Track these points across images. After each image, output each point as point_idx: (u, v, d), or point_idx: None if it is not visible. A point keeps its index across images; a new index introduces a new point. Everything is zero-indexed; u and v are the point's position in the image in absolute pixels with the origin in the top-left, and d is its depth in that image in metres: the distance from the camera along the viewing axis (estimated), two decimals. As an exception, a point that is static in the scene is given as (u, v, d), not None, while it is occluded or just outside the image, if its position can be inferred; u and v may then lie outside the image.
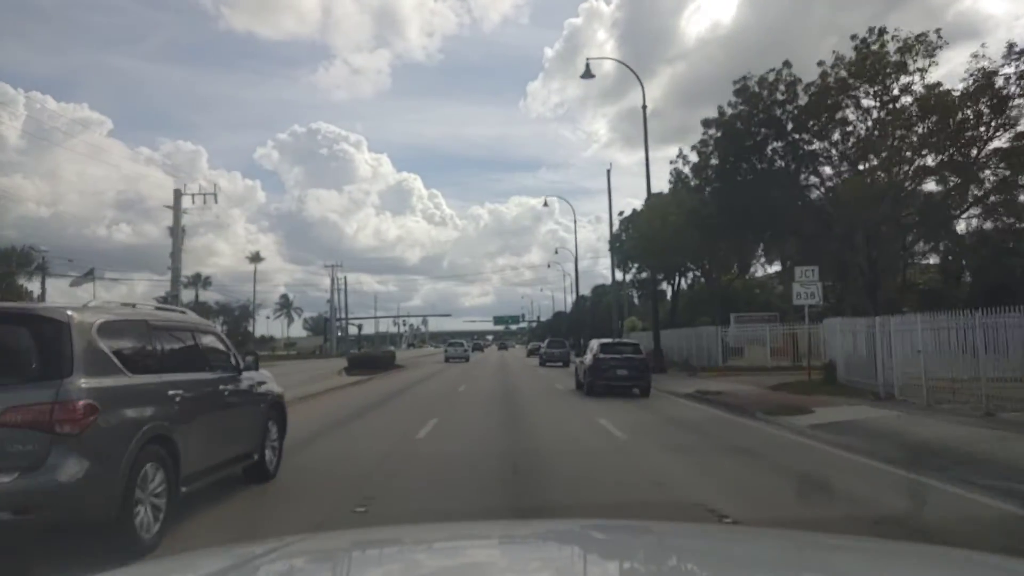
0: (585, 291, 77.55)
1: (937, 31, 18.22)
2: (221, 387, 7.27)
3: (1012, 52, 17.34)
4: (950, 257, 27.72)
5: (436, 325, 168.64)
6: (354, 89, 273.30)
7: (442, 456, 10.38)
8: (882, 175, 18.50)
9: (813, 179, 20.80)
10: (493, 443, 11.47)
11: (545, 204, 58.20)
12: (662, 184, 43.30)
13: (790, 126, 19.42)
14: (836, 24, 74.43)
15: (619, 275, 48.52)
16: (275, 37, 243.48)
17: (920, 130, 18.16)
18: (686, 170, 21.63)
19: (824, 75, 18.83)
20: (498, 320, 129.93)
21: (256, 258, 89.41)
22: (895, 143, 18.35)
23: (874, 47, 18.05)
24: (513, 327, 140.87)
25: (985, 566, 2.05)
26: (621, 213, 45.24)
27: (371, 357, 42.01)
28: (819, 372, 19.39)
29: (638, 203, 41.69)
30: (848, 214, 18.12)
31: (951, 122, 17.64)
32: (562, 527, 3.12)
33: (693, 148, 21.71)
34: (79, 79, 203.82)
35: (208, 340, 7.52)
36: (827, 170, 20.50)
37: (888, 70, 17.86)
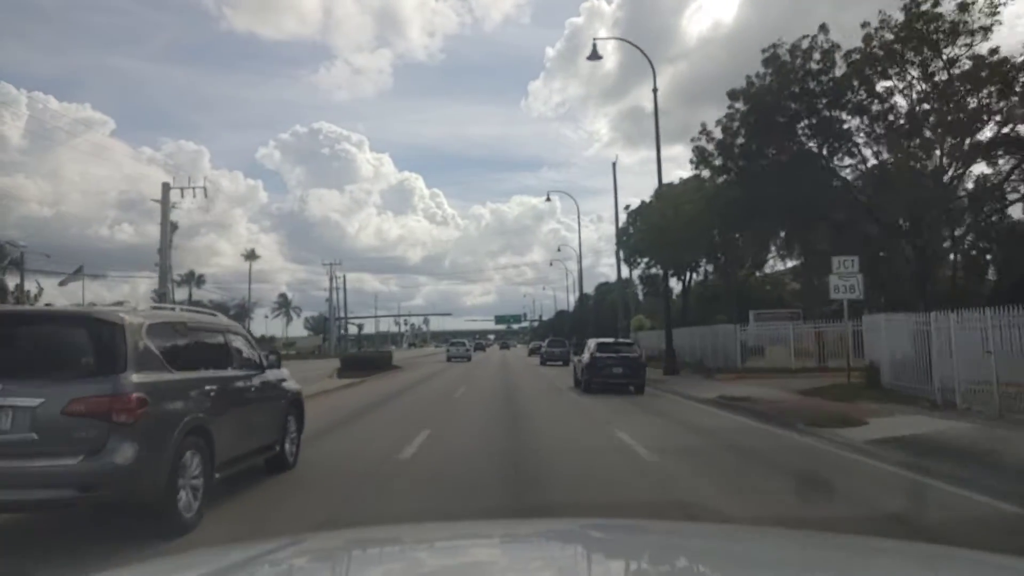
0: (587, 290, 76.03)
1: None
2: (248, 383, 7.77)
3: None
4: (974, 252, 25.52)
5: (438, 324, 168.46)
6: (355, 89, 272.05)
7: (429, 483, 8.28)
8: (932, 153, 16.28)
9: (847, 160, 18.68)
10: (494, 467, 9.35)
11: (548, 199, 56.67)
12: (667, 179, 41.01)
13: (822, 102, 17.24)
14: (839, 23, 72.20)
15: (625, 271, 46.56)
16: (276, 37, 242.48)
17: (976, 101, 15.94)
18: (710, 147, 19.54)
19: (868, 38, 16.54)
20: (500, 319, 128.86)
21: (251, 255, 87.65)
22: (949, 115, 16.10)
23: (925, 6, 15.83)
24: (515, 326, 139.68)
25: (990, 566, 1.99)
26: (627, 207, 43.12)
27: (366, 358, 39.79)
28: (858, 375, 17.26)
29: (642, 201, 39.56)
30: (892, 198, 15.96)
31: (1015, 86, 15.36)
32: (562, 526, 3.04)
33: (717, 123, 19.50)
34: (82, 79, 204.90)
35: (236, 340, 8.00)
36: (866, 151, 18.31)
37: (943, 32, 15.65)
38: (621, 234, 42.23)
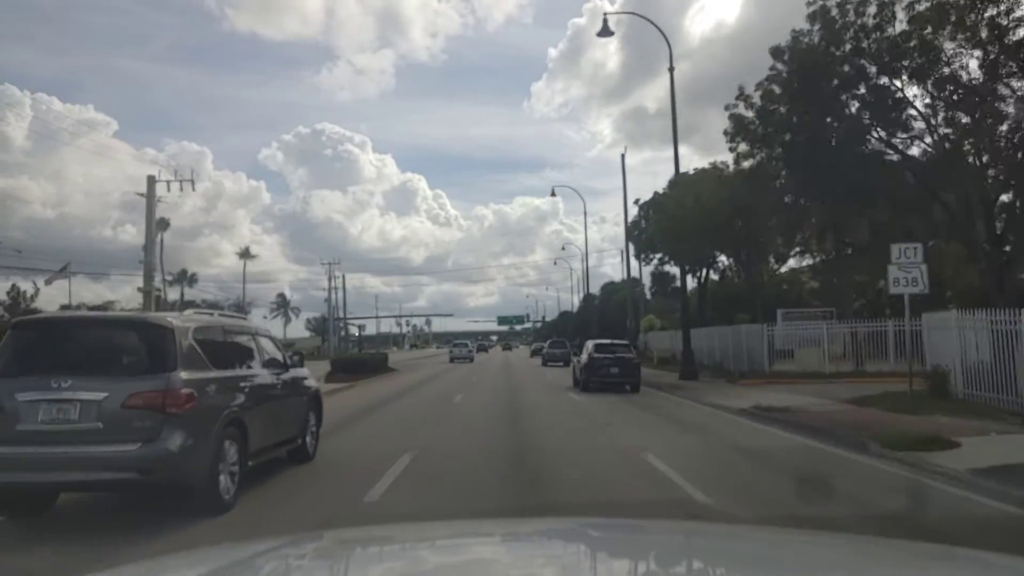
0: (592, 290, 73.78)
1: None
2: (275, 381, 8.48)
3: None
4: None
5: (440, 325, 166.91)
6: (358, 90, 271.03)
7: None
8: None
9: (900, 134, 16.17)
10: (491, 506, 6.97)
11: (553, 194, 54.47)
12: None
13: (880, 62, 14.74)
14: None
15: (635, 269, 44.16)
16: (279, 38, 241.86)
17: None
18: (750, 114, 17.01)
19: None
20: (502, 320, 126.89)
21: (246, 254, 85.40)
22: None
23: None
24: (518, 327, 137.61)
25: (990, 566, 1.97)
26: (637, 200, 40.67)
27: (358, 360, 37.28)
28: (919, 381, 14.75)
29: (655, 192, 37.08)
30: (964, 175, 13.45)
31: None
32: (563, 525, 3.00)
33: (757, 87, 16.93)
34: (85, 81, 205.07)
35: (264, 342, 8.83)
36: (919, 124, 15.78)
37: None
38: (632, 228, 39.82)
